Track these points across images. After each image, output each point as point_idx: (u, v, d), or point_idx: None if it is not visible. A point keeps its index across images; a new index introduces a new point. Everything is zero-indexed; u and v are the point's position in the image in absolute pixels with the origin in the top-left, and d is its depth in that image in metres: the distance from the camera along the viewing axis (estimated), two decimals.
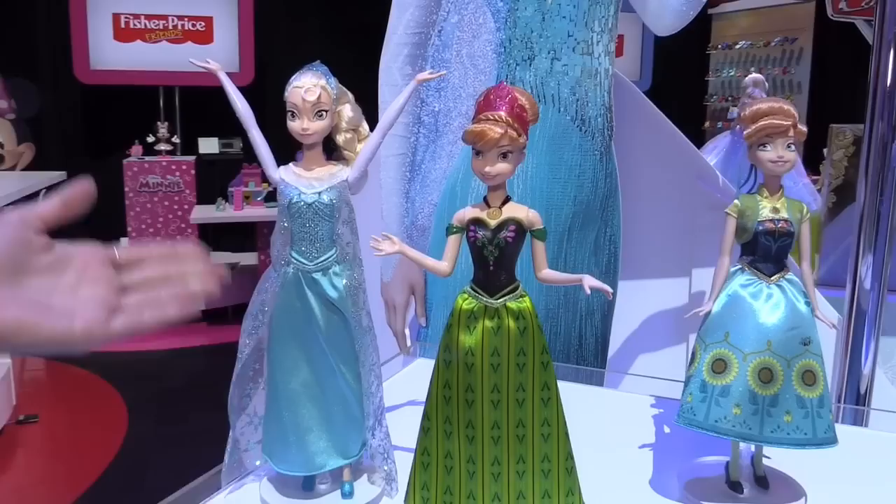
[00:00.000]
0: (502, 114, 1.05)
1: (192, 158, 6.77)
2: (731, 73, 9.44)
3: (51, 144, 7.05)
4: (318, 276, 1.15)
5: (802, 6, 8.58)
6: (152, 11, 6.96)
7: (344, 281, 1.15)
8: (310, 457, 1.20)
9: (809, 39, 8.63)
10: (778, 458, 1.38)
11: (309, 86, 1.11)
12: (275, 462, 1.23)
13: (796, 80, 8.79)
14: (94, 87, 6.86)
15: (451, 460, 1.11)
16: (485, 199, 1.11)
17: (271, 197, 6.18)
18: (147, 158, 6.57)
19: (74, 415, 5.09)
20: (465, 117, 2.22)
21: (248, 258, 6.88)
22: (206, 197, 6.60)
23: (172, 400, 5.15)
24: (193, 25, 7.08)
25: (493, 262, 1.08)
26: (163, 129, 6.72)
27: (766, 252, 1.26)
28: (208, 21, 7.09)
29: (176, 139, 6.89)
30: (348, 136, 1.18)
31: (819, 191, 3.83)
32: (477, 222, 1.10)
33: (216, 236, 7.14)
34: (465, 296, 1.11)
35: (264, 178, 6.22)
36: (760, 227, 1.26)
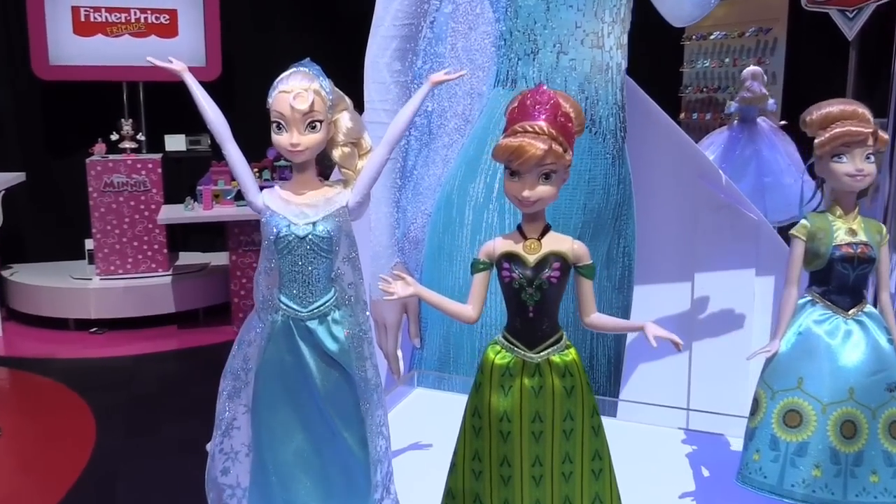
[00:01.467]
0: (543, 125, 0.84)
1: (158, 156, 6.50)
2: (706, 64, 9.42)
3: (9, 144, 6.75)
4: (313, 324, 0.93)
5: None
6: (114, 4, 6.67)
7: (345, 330, 0.94)
8: None
9: (784, 30, 8.63)
10: None
11: (299, 90, 0.89)
12: None
13: (771, 71, 8.75)
14: (53, 84, 6.57)
15: None
16: (519, 228, 0.90)
17: (241, 195, 5.94)
18: (111, 157, 6.30)
19: (40, 427, 4.86)
20: (462, 118, 2.01)
21: (219, 258, 6.63)
22: (173, 196, 6.35)
23: (143, 408, 4.95)
24: (157, 18, 6.81)
25: (534, 307, 0.87)
26: (127, 126, 6.44)
27: (842, 281, 1.07)
28: (172, 14, 6.82)
29: (141, 137, 6.61)
30: (347, 150, 0.96)
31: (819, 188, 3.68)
32: (512, 258, 0.89)
33: (185, 236, 6.90)
34: (498, 347, 0.90)
35: (234, 176, 5.99)
36: (837, 253, 1.06)
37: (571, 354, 0.90)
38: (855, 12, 4.32)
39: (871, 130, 1.05)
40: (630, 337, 2.41)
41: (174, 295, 6.13)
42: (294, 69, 0.92)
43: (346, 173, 0.96)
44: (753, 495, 1.25)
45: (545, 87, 0.87)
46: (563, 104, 0.86)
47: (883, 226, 1.10)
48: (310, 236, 0.91)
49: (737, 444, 1.52)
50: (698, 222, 2.33)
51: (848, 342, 1.05)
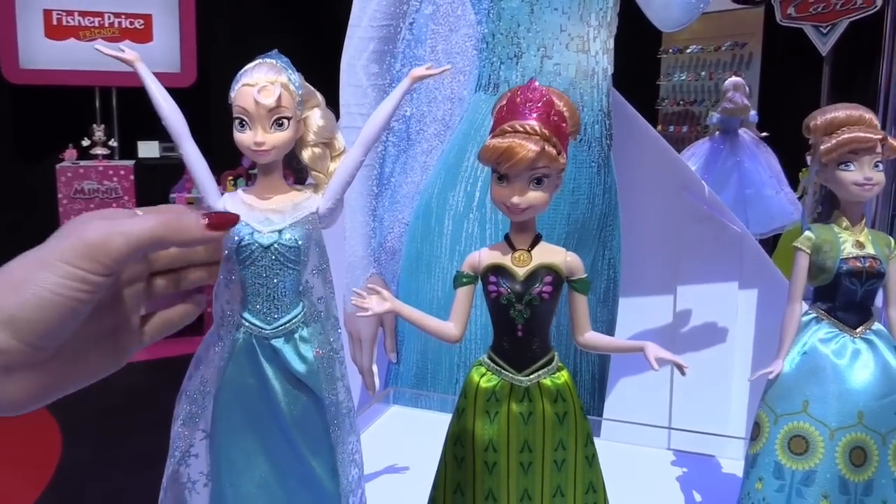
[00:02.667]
0: (535, 124, 0.76)
1: (130, 163, 6.39)
2: (683, 77, 9.54)
3: None
4: (279, 343, 0.84)
5: (752, 11, 8.70)
6: (87, 8, 6.57)
7: (315, 349, 0.85)
8: None
9: (759, 44, 8.77)
10: None
11: (264, 83, 0.80)
12: None
13: (746, 85, 8.89)
14: (24, 88, 6.44)
15: None
16: (507, 238, 0.82)
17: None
18: (82, 163, 6.18)
19: (1, 440, 4.73)
20: (441, 123, 1.93)
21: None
22: (146, 204, 6.21)
23: (110, 420, 4.83)
24: (131, 23, 6.71)
25: (523, 325, 0.79)
26: (99, 132, 6.33)
27: (849, 297, 1.00)
28: (147, 18, 6.72)
29: (113, 143, 6.49)
30: (317, 151, 0.87)
31: (800, 200, 3.64)
32: (498, 271, 0.80)
33: None
34: (483, 369, 0.82)
35: None
36: (844, 267, 0.99)
37: (564, 377, 0.81)
38: (829, 28, 4.33)
39: (879, 137, 0.98)
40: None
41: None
42: (259, 60, 0.83)
43: (316, 176, 0.87)
44: None
45: (537, 84, 0.79)
46: (556, 102, 0.78)
47: (892, 239, 1.03)
48: (275, 245, 0.82)
49: (727, 465, 1.45)
50: (681, 234, 2.28)
51: (856, 363, 0.98)
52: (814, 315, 1.02)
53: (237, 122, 0.81)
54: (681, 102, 9.34)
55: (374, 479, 1.31)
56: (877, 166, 0.98)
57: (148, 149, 6.92)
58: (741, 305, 2.31)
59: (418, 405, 1.72)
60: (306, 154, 0.86)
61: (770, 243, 4.16)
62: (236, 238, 0.82)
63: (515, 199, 0.77)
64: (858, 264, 0.99)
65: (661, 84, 9.85)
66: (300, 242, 0.83)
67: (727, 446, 1.51)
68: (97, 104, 6.67)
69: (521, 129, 0.76)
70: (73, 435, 4.64)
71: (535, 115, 0.77)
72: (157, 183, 6.62)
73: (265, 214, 0.83)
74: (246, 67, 0.82)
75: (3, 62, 6.29)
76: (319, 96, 0.88)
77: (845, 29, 4.02)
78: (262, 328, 0.84)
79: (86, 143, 6.34)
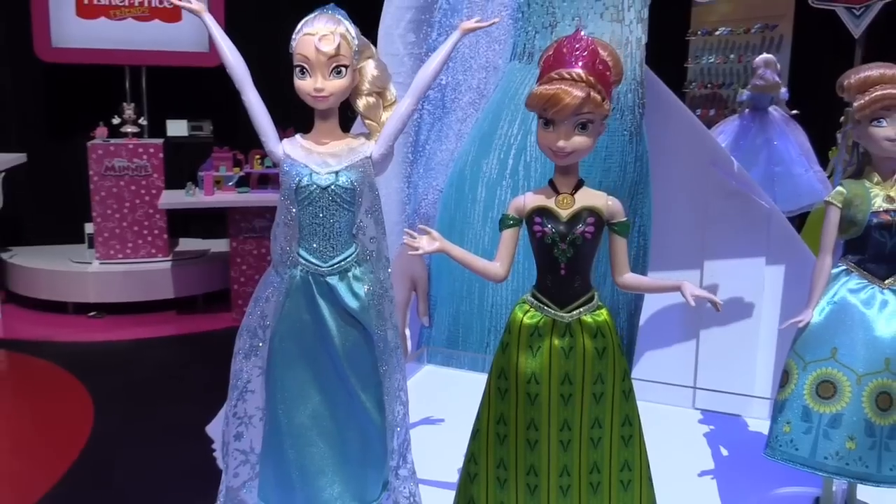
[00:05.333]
0: (581, 72, 0.80)
1: (159, 141, 6.44)
2: (711, 60, 9.42)
3: (10, 126, 6.69)
4: (333, 280, 0.89)
5: None
6: None
7: (366, 287, 0.90)
8: None
9: (790, 26, 8.62)
10: (875, 492, 1.15)
11: (325, 33, 0.85)
12: None
13: (777, 62, 8.74)
14: (55, 66, 6.51)
15: None
16: (551, 182, 0.86)
17: (243, 182, 5.89)
18: (112, 141, 6.24)
19: (37, 409, 4.82)
20: (477, 92, 1.96)
21: (219, 245, 6.58)
22: (174, 181, 6.30)
23: (140, 392, 4.90)
24: (161, 2, 6.74)
25: (566, 264, 0.84)
26: (129, 110, 6.38)
27: (879, 250, 1.03)
28: None
29: (143, 121, 6.55)
30: (371, 100, 0.91)
31: (829, 178, 3.63)
32: (543, 213, 0.85)
33: (185, 222, 6.84)
34: (526, 307, 0.86)
35: (236, 163, 5.93)
36: (874, 220, 1.02)
37: (603, 315, 0.86)
38: (862, 10, 4.28)
39: None
40: (641, 323, 2.38)
41: (174, 281, 6.09)
42: (319, 11, 0.88)
43: (369, 124, 0.92)
44: (769, 474, 1.22)
45: (582, 34, 0.83)
46: (601, 51, 0.82)
47: None
48: (332, 186, 0.87)
49: (753, 424, 1.49)
50: (709, 209, 2.29)
51: (884, 312, 1.01)
52: (844, 267, 1.06)
53: (297, 69, 0.86)
54: (709, 85, 9.23)
55: (411, 429, 1.36)
56: None
57: (176, 127, 6.98)
58: (768, 280, 2.32)
59: (451, 364, 1.77)
60: (361, 102, 0.91)
61: (798, 221, 4.14)
62: (296, 179, 0.86)
63: (561, 143, 0.82)
64: (889, 217, 1.02)
65: (689, 67, 9.74)
66: (356, 184, 0.88)
67: (752, 406, 1.55)
68: (127, 83, 6.72)
69: (568, 77, 0.80)
70: (105, 406, 4.71)
71: (580, 64, 0.81)
72: (186, 160, 6.66)
73: (322, 158, 0.88)
74: (306, 18, 0.87)
75: (35, 41, 6.35)
76: (373, 48, 0.93)
77: (879, 11, 3.97)
78: (318, 266, 0.89)
79: (116, 121, 6.40)
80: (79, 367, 5.28)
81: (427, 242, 0.86)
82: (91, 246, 6.33)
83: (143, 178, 6.40)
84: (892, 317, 1.01)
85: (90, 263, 6.15)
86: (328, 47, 0.84)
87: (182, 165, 6.77)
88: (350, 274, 0.89)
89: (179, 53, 6.65)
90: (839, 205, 1.05)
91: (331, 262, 0.89)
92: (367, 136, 0.93)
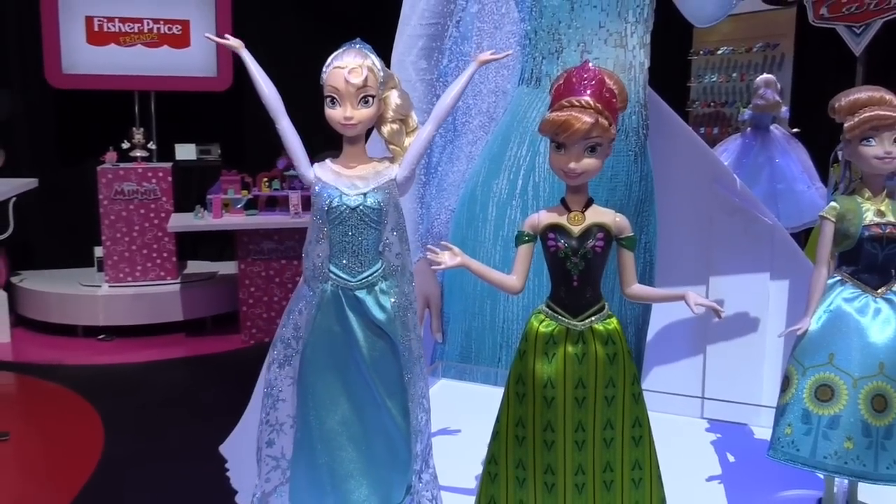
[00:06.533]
0: (589, 99, 0.87)
1: (168, 165, 6.53)
2: (714, 79, 9.46)
3: (22, 151, 6.79)
4: (361, 294, 0.96)
5: (783, 12, 8.59)
6: (127, 14, 6.72)
7: (392, 299, 0.97)
8: None
9: (791, 45, 8.66)
10: (876, 493, 1.21)
11: (353, 66, 0.93)
12: None
13: (777, 82, 8.78)
14: (66, 92, 6.62)
15: None
16: (563, 201, 0.94)
17: (251, 205, 5.97)
18: (122, 165, 6.33)
19: (48, 431, 4.86)
20: (486, 115, 2.04)
21: (228, 267, 6.66)
22: (183, 205, 6.38)
23: (150, 414, 4.95)
24: (169, 29, 6.86)
25: (578, 276, 0.91)
26: (138, 135, 6.47)
27: (871, 261, 1.10)
28: (185, 24, 6.87)
29: (152, 145, 6.64)
30: (395, 127, 0.99)
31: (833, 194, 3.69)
32: (556, 229, 0.92)
33: (194, 245, 6.92)
34: (542, 316, 0.93)
35: (244, 186, 6.01)
36: (866, 233, 1.10)
37: (613, 323, 0.93)
38: (862, 28, 4.35)
39: None
40: (649, 338, 2.43)
41: (182, 303, 6.14)
42: (347, 46, 0.96)
43: (393, 149, 1.00)
44: (774, 478, 1.28)
45: (590, 65, 0.91)
46: (607, 80, 0.90)
47: None
48: (360, 207, 0.95)
49: (759, 433, 1.54)
50: (713, 226, 2.34)
51: (877, 319, 1.08)
52: (839, 278, 1.13)
53: (328, 99, 0.94)
54: (712, 104, 9.26)
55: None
56: None
57: (185, 151, 7.07)
58: (772, 295, 2.36)
59: (464, 378, 1.83)
60: (385, 129, 0.99)
61: (801, 238, 4.21)
62: (327, 200, 0.94)
63: (572, 165, 0.89)
64: (879, 230, 1.09)
65: (692, 86, 9.78)
66: (382, 204, 0.95)
67: (759, 416, 1.60)
68: (136, 108, 6.83)
69: (578, 104, 0.88)
70: (115, 428, 4.75)
71: (589, 92, 0.88)
72: (194, 184, 6.75)
73: (351, 180, 0.95)
74: (336, 52, 0.95)
75: (46, 67, 6.46)
76: (397, 78, 1.01)
77: (879, 29, 4.02)
78: (347, 280, 0.96)
79: (125, 145, 6.48)
80: (89, 390, 5.31)
81: (449, 258, 0.94)
82: (100, 269, 6.37)
83: (152, 202, 6.46)
84: (885, 324, 1.08)
85: (99, 287, 6.20)
86: (357, 79, 0.91)
87: (191, 189, 6.84)
88: (377, 288, 0.96)
89: (188, 78, 6.75)
90: (833, 219, 1.12)
91: (359, 277, 0.96)
92: (391, 159, 1.00)
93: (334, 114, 0.94)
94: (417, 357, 1.02)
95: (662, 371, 2.42)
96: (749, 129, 4.50)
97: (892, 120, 1.08)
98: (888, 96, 1.11)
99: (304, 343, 0.99)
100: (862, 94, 1.12)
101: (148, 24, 6.83)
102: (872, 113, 1.09)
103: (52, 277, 6.37)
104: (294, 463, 1.06)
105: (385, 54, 2.02)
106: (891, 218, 1.11)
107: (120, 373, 5.44)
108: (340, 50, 0.96)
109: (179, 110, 6.72)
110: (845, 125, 1.11)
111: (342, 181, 0.96)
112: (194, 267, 6.71)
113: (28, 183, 6.06)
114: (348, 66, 0.93)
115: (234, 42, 0.98)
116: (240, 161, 6.59)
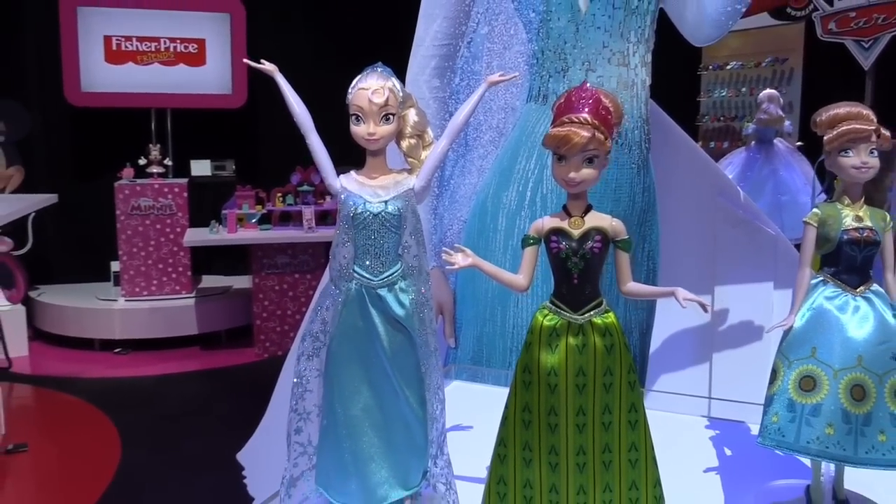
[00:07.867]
0: (587, 116, 0.98)
1: (184, 181, 6.65)
2: (723, 94, 9.50)
3: (41, 167, 6.93)
4: (383, 292, 1.07)
5: (792, 27, 8.62)
6: (144, 33, 6.87)
7: (410, 297, 1.08)
8: (371, 488, 1.12)
9: (800, 59, 8.68)
10: (860, 481, 1.30)
11: (376, 87, 1.04)
12: (332, 494, 1.14)
13: (787, 100, 8.81)
14: (84, 110, 6.75)
15: (532, 490, 1.03)
16: (564, 208, 1.04)
17: (265, 219, 6.07)
18: (139, 181, 6.45)
19: (65, 443, 4.93)
20: (496, 131, 2.15)
21: (242, 282, 6.76)
22: (198, 220, 6.49)
23: (166, 426, 5.02)
24: (186, 48, 7.00)
25: (578, 274, 1.01)
26: (155, 151, 6.59)
27: (850, 262, 1.20)
28: (201, 43, 7.01)
29: (168, 162, 6.76)
30: (413, 141, 1.11)
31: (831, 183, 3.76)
32: (558, 232, 1.03)
33: (209, 259, 7.01)
34: (546, 311, 1.03)
35: (258, 201, 6.11)
36: (845, 237, 1.20)
37: (611, 317, 1.03)
38: (871, 42, 4.43)
39: (873, 128, 1.19)
40: (653, 347, 2.52)
41: (197, 317, 6.23)
42: (370, 70, 1.07)
43: (411, 162, 1.11)
44: (767, 469, 1.37)
45: (588, 85, 1.01)
46: (603, 99, 1.00)
47: (887, 214, 1.23)
48: (382, 213, 1.05)
49: (756, 430, 1.63)
50: (718, 237, 2.38)
51: (856, 316, 1.18)
52: (821, 278, 1.23)
53: (353, 117, 1.05)
54: (721, 118, 9.28)
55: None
56: (872, 153, 1.19)
57: (200, 167, 7.19)
58: (776, 304, 2.41)
59: (476, 380, 1.92)
60: (404, 144, 1.10)
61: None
62: (352, 207, 1.05)
63: (572, 175, 1.00)
64: (857, 234, 1.19)
65: (702, 100, 9.81)
66: (401, 211, 1.06)
67: (758, 415, 1.69)
68: (153, 125, 6.96)
69: (576, 120, 0.98)
70: (132, 440, 4.81)
71: (586, 109, 0.99)
72: (209, 199, 6.87)
73: (373, 189, 1.07)
74: (360, 76, 1.06)
75: (66, 86, 6.59)
76: (414, 97, 1.12)
77: (887, 43, 4.06)
78: (370, 280, 1.07)
79: (142, 161, 6.60)
80: (105, 402, 5.38)
81: (462, 258, 1.04)
82: (117, 283, 6.44)
83: (167, 217, 6.56)
84: (863, 320, 1.17)
85: (116, 301, 6.27)
86: (379, 99, 1.03)
87: (206, 204, 6.93)
88: (397, 286, 1.07)
89: (203, 96, 6.87)
90: (815, 224, 1.22)
91: (380, 277, 1.06)
92: (409, 171, 1.11)
93: (359, 130, 1.05)
94: (433, 350, 1.12)
95: (670, 378, 2.48)
96: (753, 142, 4.59)
97: (867, 133, 1.18)
98: (865, 111, 1.21)
99: (331, 337, 1.10)
100: (841, 109, 1.22)
101: (165, 43, 6.96)
102: (850, 126, 1.19)
103: (70, 292, 6.48)
104: (320, 449, 1.16)
105: (394, 69, 2.13)
106: (868, 223, 1.20)
107: (136, 385, 5.53)
108: (364, 73, 1.07)
109: (195, 127, 6.85)
110: (825, 138, 1.21)
111: (366, 190, 1.07)
112: (209, 281, 6.81)
113: (47, 199, 6.18)
114: (371, 87, 1.05)
115: (269, 66, 1.09)
116: (254, 177, 6.70)
